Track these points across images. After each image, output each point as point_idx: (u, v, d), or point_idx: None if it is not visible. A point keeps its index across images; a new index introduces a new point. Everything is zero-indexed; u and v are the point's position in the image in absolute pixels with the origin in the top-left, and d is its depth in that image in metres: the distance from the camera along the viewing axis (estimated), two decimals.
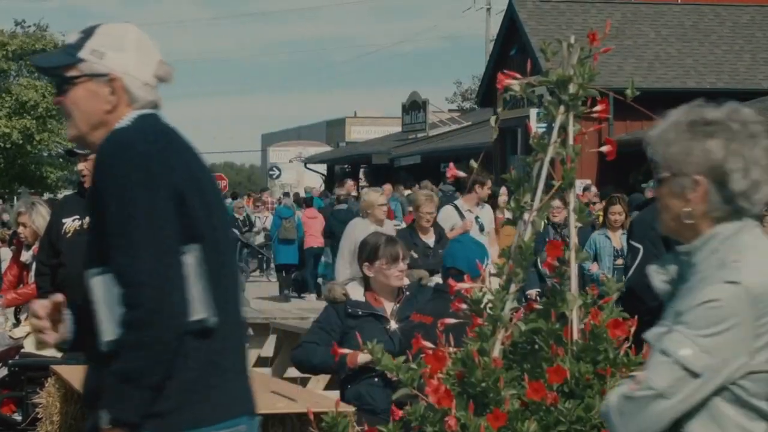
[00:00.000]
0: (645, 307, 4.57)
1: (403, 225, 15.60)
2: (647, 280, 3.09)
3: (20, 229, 8.68)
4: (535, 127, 4.57)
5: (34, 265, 8.28)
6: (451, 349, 4.26)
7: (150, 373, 3.21)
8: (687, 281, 2.95)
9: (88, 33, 3.49)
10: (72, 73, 3.46)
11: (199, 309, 3.30)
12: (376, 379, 6.25)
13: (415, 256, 10.18)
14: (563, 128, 4.23)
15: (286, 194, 30.50)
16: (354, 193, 24.82)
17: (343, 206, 21.52)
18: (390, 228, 11.58)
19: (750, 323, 2.82)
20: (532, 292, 12.01)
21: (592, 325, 4.00)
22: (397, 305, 6.51)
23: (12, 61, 46.25)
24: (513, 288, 4.14)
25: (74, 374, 6.09)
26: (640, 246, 7.54)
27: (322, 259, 23.00)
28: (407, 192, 23.94)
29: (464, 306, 4.21)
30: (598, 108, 4.25)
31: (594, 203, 17.16)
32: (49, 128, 46.13)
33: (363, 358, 5.33)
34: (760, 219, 3.06)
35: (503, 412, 3.89)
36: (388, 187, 23.54)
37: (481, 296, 4.16)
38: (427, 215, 11.14)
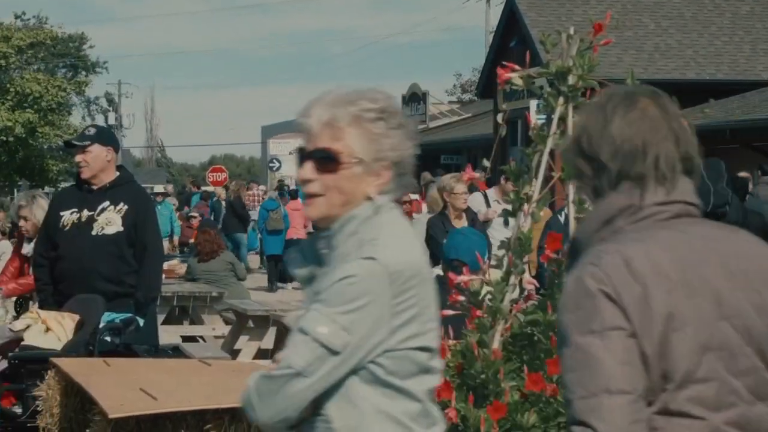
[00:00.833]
0: None
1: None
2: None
3: (21, 222, 8.69)
4: (535, 118, 4.56)
5: None
6: (451, 341, 4.25)
7: None
8: (327, 264, 2.89)
9: None
10: None
11: None
12: None
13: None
14: (563, 119, 4.23)
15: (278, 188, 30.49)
16: None
17: None
18: (423, 218, 11.61)
19: (387, 301, 2.77)
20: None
21: None
22: None
23: (17, 54, 46.26)
24: (513, 279, 4.14)
25: (74, 367, 6.08)
26: None
27: None
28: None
29: (462, 298, 4.21)
30: None
31: None
32: (50, 121, 46.13)
33: None
34: (399, 202, 3.01)
35: (503, 404, 3.89)
36: None
37: (479, 288, 4.16)
38: (462, 195, 11.12)
